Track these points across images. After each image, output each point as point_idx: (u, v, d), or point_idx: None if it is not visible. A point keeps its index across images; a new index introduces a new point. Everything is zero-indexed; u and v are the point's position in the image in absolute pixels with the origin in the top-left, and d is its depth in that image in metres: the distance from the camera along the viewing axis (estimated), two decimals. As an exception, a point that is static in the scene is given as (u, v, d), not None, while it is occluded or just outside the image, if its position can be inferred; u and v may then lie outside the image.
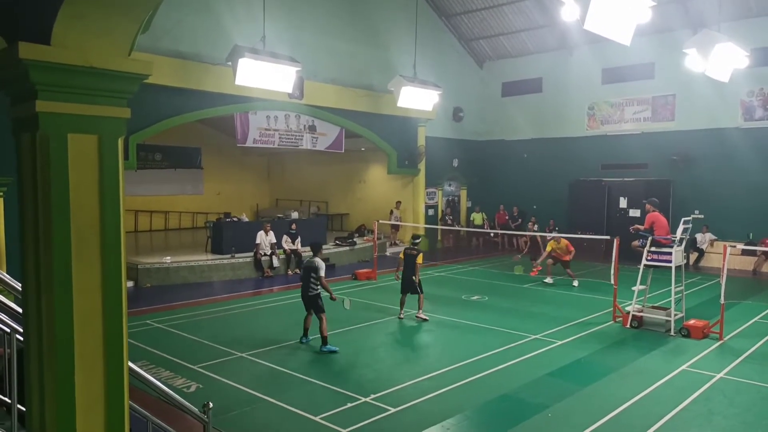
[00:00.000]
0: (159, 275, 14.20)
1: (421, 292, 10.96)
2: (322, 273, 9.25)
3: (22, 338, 3.26)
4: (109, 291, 2.85)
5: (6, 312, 3.80)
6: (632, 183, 19.56)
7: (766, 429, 6.36)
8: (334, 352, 8.85)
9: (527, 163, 22.59)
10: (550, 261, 14.80)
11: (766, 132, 17.41)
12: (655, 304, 11.14)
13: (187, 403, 4.25)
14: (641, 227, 10.76)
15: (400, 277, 11.12)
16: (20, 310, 3.38)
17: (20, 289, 3.19)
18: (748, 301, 12.86)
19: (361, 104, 18.54)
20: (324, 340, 8.97)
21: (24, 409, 3.14)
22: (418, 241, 11.60)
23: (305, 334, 9.47)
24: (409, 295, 11.09)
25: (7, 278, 4.02)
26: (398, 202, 21.27)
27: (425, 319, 10.83)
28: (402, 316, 11.04)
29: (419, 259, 10.91)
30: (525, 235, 20.30)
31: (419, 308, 10.98)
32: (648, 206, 10.89)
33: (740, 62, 11.52)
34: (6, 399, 3.65)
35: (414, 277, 10.83)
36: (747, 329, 10.46)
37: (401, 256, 11.32)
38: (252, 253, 15.67)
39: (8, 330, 3.60)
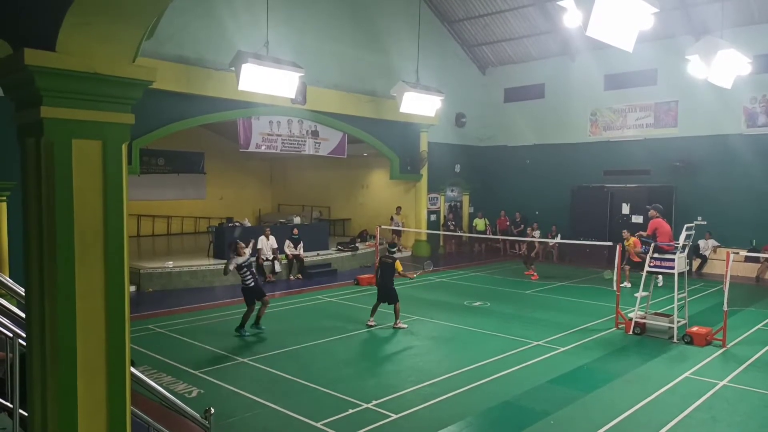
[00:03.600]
0: (161, 280, 14.21)
1: (397, 301, 10.70)
2: (231, 266, 10.13)
3: (24, 343, 3.27)
4: (111, 295, 2.86)
5: (9, 316, 3.80)
6: (635, 189, 19.53)
7: (769, 437, 6.34)
8: (262, 330, 10.14)
9: (529, 169, 22.58)
10: (627, 266, 14.75)
11: (768, 138, 17.41)
12: (658, 311, 11.11)
13: (188, 409, 4.25)
14: (644, 234, 10.75)
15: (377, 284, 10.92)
16: (23, 315, 3.39)
17: (23, 293, 3.20)
18: (751, 308, 12.81)
19: (364, 110, 18.58)
20: (257, 320, 10.22)
21: (26, 413, 3.14)
22: (394, 249, 11.37)
23: (257, 323, 10.26)
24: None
25: (10, 283, 4.03)
26: (398, 208, 21.27)
27: (403, 327, 10.63)
28: (372, 323, 10.78)
29: (398, 267, 10.71)
30: (525, 241, 20.32)
31: (396, 318, 10.72)
32: (652, 212, 10.88)
33: (743, 69, 11.53)
34: (8, 403, 3.65)
35: (391, 285, 10.63)
36: (750, 336, 10.42)
37: (377, 264, 11.09)
38: (254, 258, 15.64)
39: (11, 334, 3.60)
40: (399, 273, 10.78)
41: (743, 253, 14.35)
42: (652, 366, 8.73)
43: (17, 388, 3.47)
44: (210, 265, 15.27)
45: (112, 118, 2.84)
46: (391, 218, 20.97)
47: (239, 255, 10.16)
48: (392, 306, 10.74)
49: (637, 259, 14.62)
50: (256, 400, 7.14)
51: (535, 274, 16.65)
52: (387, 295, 10.75)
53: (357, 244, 19.34)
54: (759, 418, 6.80)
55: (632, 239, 14.70)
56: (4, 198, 10.37)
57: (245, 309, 10.31)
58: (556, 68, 21.87)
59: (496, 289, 15.05)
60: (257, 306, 10.28)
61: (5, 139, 5.16)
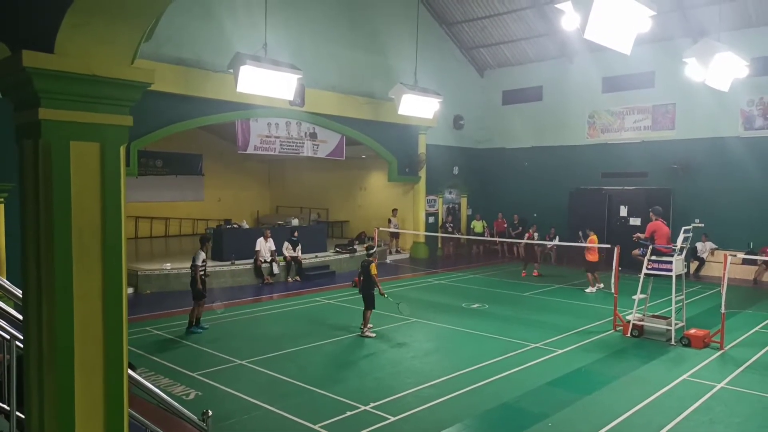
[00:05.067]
0: (159, 282, 14.19)
1: (372, 308, 10.39)
2: (198, 262, 10.54)
3: (21, 345, 3.26)
4: (109, 297, 2.85)
5: (6, 318, 3.79)
6: (633, 192, 19.56)
7: (767, 439, 6.34)
8: (199, 332, 10.26)
9: (527, 172, 22.61)
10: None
11: (766, 141, 17.42)
12: (656, 313, 11.12)
13: (186, 411, 4.25)
14: (642, 236, 10.76)
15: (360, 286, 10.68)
16: (20, 317, 3.38)
17: (20, 295, 3.19)
18: (748, 311, 12.83)
19: (362, 112, 18.59)
20: (191, 324, 10.44)
21: (23, 416, 3.13)
22: (373, 251, 11.14)
23: (198, 324, 10.50)
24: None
25: (8, 285, 4.02)
26: (395, 210, 21.27)
27: (371, 336, 10.23)
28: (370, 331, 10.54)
29: (373, 269, 10.46)
30: (521, 243, 20.36)
31: (364, 324, 10.37)
32: (651, 215, 10.90)
33: (740, 71, 11.56)
34: (5, 406, 3.64)
35: (371, 291, 10.36)
36: (748, 339, 10.44)
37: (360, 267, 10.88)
38: (252, 260, 15.66)
39: (8, 336, 3.60)
40: (373, 275, 10.50)
41: (741, 255, 14.36)
42: (650, 368, 8.73)
43: (14, 391, 3.46)
44: (208, 266, 15.20)
45: (111, 120, 2.84)
46: (389, 220, 20.98)
47: (203, 251, 10.86)
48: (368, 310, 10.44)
49: (593, 259, 14.72)
50: (254, 403, 7.12)
51: (536, 270, 16.83)
52: (364, 298, 10.46)
53: (355, 246, 19.31)
54: (757, 420, 6.80)
55: (592, 236, 14.86)
56: (2, 200, 10.33)
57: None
58: (554, 71, 21.90)
59: (494, 291, 15.05)
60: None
61: (3, 140, 5.15)
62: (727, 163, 17.92)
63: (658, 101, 19.45)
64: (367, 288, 10.50)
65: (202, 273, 10.56)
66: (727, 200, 17.78)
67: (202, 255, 10.70)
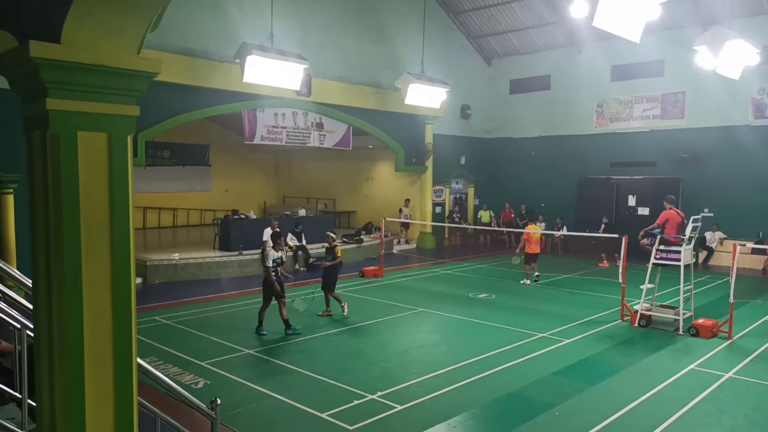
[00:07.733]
0: (167, 272, 14.28)
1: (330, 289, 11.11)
2: (269, 263, 9.66)
3: (32, 334, 3.30)
4: (118, 287, 2.87)
5: (16, 308, 3.83)
6: (641, 181, 19.43)
7: (775, 429, 6.32)
8: (297, 332, 9.69)
9: (535, 161, 22.50)
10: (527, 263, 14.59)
11: (776, 130, 17.26)
12: (664, 303, 11.09)
13: (194, 400, 4.28)
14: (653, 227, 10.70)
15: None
16: (30, 306, 3.41)
17: (30, 285, 3.22)
18: (757, 301, 12.77)
19: (369, 101, 18.53)
20: (260, 323, 9.83)
21: (34, 403, 3.17)
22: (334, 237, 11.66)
23: (287, 326, 9.77)
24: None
25: (18, 274, 4.05)
26: (407, 200, 21.27)
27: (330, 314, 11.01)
28: (329, 312, 11.12)
29: (338, 252, 11.21)
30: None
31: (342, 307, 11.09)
32: (665, 203, 10.85)
33: (751, 59, 11.42)
34: (17, 394, 3.69)
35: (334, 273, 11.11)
36: (756, 328, 10.39)
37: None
38: (259, 250, 15.69)
39: (19, 326, 3.63)
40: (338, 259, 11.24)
41: (750, 245, 14.26)
42: (657, 358, 8.72)
43: (25, 379, 3.51)
44: (215, 257, 15.33)
45: (118, 110, 2.84)
46: (400, 210, 20.99)
47: (275, 249, 9.91)
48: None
49: (536, 251, 14.34)
50: (262, 391, 7.18)
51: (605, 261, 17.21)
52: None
53: (362, 237, 19.34)
54: (765, 410, 6.79)
55: (534, 226, 14.59)
56: (11, 190, 10.41)
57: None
58: (562, 59, 21.72)
59: (501, 281, 15.05)
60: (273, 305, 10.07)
61: (12, 131, 5.18)
62: (737, 152, 17.76)
63: (668, 90, 19.27)
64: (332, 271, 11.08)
65: (274, 273, 9.65)
66: (737, 190, 17.64)
67: (273, 254, 9.67)
